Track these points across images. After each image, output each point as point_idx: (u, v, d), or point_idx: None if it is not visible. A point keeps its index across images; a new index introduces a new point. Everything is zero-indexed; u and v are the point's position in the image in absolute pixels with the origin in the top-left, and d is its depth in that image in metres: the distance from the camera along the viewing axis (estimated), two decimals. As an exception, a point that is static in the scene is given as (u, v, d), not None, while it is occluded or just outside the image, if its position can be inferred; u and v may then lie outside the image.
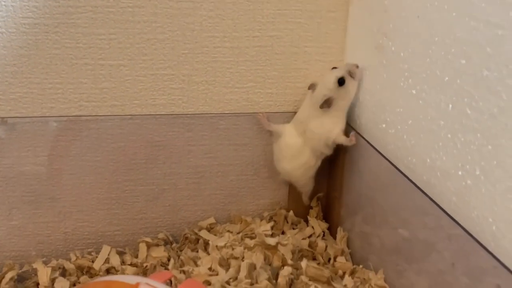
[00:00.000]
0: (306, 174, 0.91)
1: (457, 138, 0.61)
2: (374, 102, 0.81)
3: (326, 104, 0.83)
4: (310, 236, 0.92)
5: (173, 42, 0.85)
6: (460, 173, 0.61)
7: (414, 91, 0.69)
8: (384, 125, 0.78)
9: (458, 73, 0.60)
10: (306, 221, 0.97)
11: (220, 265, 0.80)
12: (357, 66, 0.84)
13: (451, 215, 0.62)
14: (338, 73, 0.83)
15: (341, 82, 0.82)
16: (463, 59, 0.59)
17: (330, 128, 0.85)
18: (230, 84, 0.89)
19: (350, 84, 0.84)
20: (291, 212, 0.96)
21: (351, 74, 0.83)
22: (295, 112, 0.90)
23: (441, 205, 0.64)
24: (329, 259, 0.87)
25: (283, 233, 0.94)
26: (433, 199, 0.65)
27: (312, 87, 0.86)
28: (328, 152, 0.88)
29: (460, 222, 0.60)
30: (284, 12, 0.86)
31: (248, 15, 0.85)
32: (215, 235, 0.92)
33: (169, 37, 0.84)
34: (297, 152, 0.89)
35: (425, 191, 0.67)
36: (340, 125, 0.85)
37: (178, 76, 0.87)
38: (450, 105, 0.62)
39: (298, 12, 0.87)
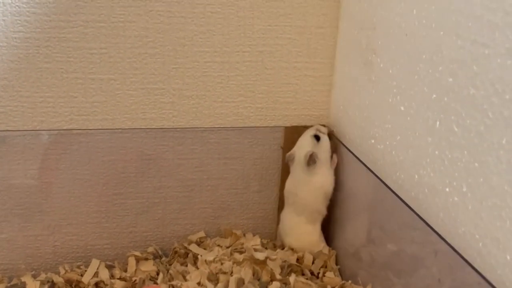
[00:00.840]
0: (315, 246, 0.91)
1: (444, 155, 0.61)
2: (363, 117, 0.81)
3: (312, 160, 0.86)
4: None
5: (164, 56, 0.85)
6: (447, 189, 0.61)
7: (402, 108, 0.70)
8: (373, 141, 0.78)
9: (446, 91, 0.61)
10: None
11: (209, 279, 0.80)
12: (324, 126, 0.90)
13: (438, 231, 0.62)
14: (311, 132, 0.88)
15: (317, 138, 0.87)
16: (450, 77, 0.60)
17: (322, 183, 0.88)
18: (220, 98, 0.89)
19: (323, 139, 0.88)
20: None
21: (320, 131, 0.88)
22: (285, 127, 0.91)
23: (428, 221, 0.64)
24: (318, 274, 0.87)
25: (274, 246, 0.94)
26: (421, 215, 0.66)
27: (290, 157, 0.89)
28: (325, 210, 0.90)
29: (446, 238, 0.61)
30: (274, 28, 0.87)
31: (238, 31, 0.86)
32: (204, 249, 0.92)
33: (160, 52, 0.85)
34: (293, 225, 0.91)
35: (412, 207, 0.67)
36: (330, 177, 0.88)
37: (169, 90, 0.87)
38: (438, 122, 0.62)
39: (288, 28, 0.88)
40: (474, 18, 0.55)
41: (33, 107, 0.83)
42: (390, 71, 0.73)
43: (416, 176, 0.67)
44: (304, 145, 0.88)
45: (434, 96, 0.63)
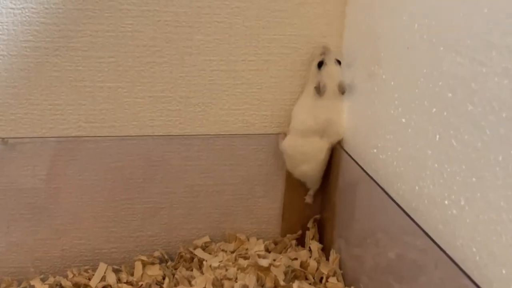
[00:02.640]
0: (321, 169, 0.94)
1: (443, 168, 0.63)
2: (366, 127, 0.83)
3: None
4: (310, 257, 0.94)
5: (171, 65, 0.87)
6: (446, 202, 0.62)
7: (403, 120, 0.71)
8: (375, 150, 0.80)
9: (445, 106, 0.62)
10: (298, 240, 0.99)
11: (214, 286, 0.82)
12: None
13: (438, 242, 0.63)
14: (315, 61, 0.89)
15: (320, 65, 0.88)
16: (449, 92, 0.61)
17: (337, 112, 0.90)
18: (226, 106, 0.91)
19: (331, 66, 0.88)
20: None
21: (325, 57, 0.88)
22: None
23: (428, 232, 0.65)
24: (321, 279, 0.89)
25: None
26: (421, 225, 0.67)
27: (320, 90, 0.88)
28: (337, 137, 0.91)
29: (445, 250, 0.62)
30: (279, 37, 0.88)
31: (244, 40, 0.87)
32: (209, 253, 0.94)
33: (167, 61, 0.86)
34: (317, 151, 0.92)
35: (413, 217, 0.69)
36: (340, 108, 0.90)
37: (176, 98, 0.89)
38: (437, 136, 0.64)
39: (293, 37, 0.89)
40: (473, 36, 0.56)
41: (42, 114, 0.85)
42: (392, 83, 0.74)
43: (417, 188, 0.69)
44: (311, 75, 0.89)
45: (434, 110, 0.64)
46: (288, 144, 0.92)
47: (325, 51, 0.89)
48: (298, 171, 0.94)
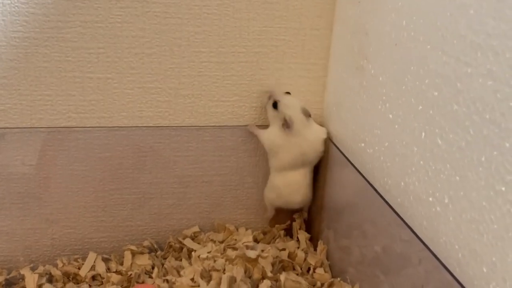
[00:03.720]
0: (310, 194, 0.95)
1: (428, 166, 0.63)
2: (354, 121, 0.83)
3: (286, 126, 0.88)
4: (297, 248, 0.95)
5: (160, 56, 0.87)
6: (430, 199, 0.63)
7: (390, 116, 0.72)
8: (363, 144, 0.80)
9: (431, 104, 0.62)
10: (286, 230, 1.00)
11: (202, 277, 0.83)
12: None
13: (422, 238, 0.64)
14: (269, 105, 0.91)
15: (275, 105, 0.90)
16: (435, 91, 0.61)
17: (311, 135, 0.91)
18: (215, 97, 0.91)
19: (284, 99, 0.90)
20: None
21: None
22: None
23: (413, 227, 0.66)
24: (308, 270, 0.90)
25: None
26: (406, 221, 0.68)
27: (288, 125, 0.89)
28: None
29: (429, 246, 0.63)
30: (269, 29, 0.89)
31: (234, 32, 0.87)
32: (198, 243, 0.94)
33: (157, 52, 0.86)
34: (308, 181, 0.93)
35: (398, 212, 0.69)
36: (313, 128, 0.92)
37: (165, 89, 0.89)
38: (423, 133, 0.64)
39: (283, 29, 0.89)
40: (459, 36, 0.57)
41: (31, 105, 0.85)
42: (380, 78, 0.74)
43: (402, 183, 0.69)
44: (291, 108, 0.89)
45: (420, 107, 0.65)
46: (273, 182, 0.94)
47: (271, 93, 0.90)
48: (293, 202, 0.95)
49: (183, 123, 0.91)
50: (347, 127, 0.86)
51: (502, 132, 0.51)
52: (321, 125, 0.93)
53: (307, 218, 0.99)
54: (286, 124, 0.87)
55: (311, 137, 0.90)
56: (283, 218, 0.99)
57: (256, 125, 0.93)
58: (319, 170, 0.94)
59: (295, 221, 0.99)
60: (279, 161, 0.91)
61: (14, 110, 0.85)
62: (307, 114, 0.89)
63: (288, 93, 0.91)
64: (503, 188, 0.51)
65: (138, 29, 0.84)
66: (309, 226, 0.99)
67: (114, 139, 0.89)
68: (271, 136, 0.91)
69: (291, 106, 0.88)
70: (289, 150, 0.89)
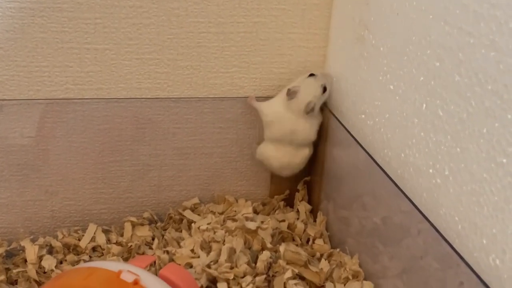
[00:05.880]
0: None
1: (429, 138, 0.63)
2: (354, 92, 0.82)
3: (312, 110, 0.87)
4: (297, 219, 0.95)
5: (158, 27, 0.85)
6: (430, 171, 0.63)
7: (391, 87, 0.71)
8: (363, 116, 0.80)
9: (432, 75, 0.62)
10: (285, 200, 1.00)
11: (202, 248, 0.83)
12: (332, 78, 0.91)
13: (421, 209, 0.64)
14: (321, 81, 0.88)
15: (324, 89, 0.88)
16: (437, 62, 0.61)
17: (314, 130, 0.91)
18: (214, 69, 0.90)
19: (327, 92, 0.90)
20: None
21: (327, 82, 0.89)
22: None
23: (412, 199, 0.66)
24: (308, 241, 0.90)
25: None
26: (405, 192, 0.68)
27: (292, 94, 0.87)
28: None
29: (428, 217, 0.63)
30: (269, -2, 0.87)
31: (233, 1, 0.86)
32: (198, 215, 0.95)
33: (155, 22, 0.85)
34: (298, 160, 0.93)
35: (398, 184, 0.69)
36: (316, 126, 0.92)
37: (163, 60, 0.88)
38: (424, 105, 0.64)
39: (283, -2, 0.88)
40: (461, 6, 0.56)
41: (29, 76, 0.84)
42: (381, 49, 0.74)
43: (403, 155, 0.69)
44: (311, 93, 0.87)
45: (422, 78, 0.64)
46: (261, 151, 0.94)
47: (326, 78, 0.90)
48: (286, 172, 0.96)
49: (182, 94, 0.90)
50: (347, 99, 0.85)
51: (504, 104, 0.50)
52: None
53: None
54: (289, 93, 0.87)
55: (307, 123, 0.90)
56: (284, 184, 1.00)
57: (256, 97, 0.92)
58: (319, 141, 0.93)
59: (298, 191, 0.99)
60: (270, 133, 0.91)
61: (12, 81, 0.84)
62: (307, 110, 0.87)
63: (325, 88, 0.89)
64: (504, 160, 0.51)
65: (136, -2, 0.83)
66: (309, 197, 0.99)
67: (112, 111, 0.89)
68: (272, 105, 0.90)
69: (309, 88, 0.88)
70: (282, 124, 0.89)
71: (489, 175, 0.53)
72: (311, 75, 0.89)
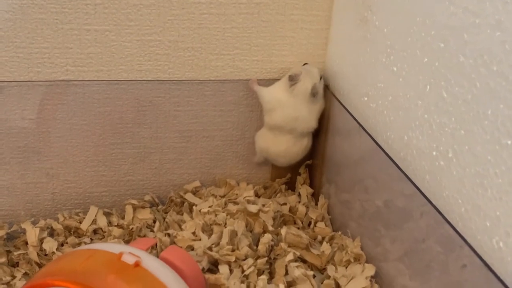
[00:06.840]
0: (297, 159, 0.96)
1: (432, 120, 0.62)
2: (356, 74, 0.82)
3: (317, 93, 0.88)
4: (298, 202, 0.95)
5: (159, 8, 0.84)
6: (434, 153, 0.62)
7: (395, 68, 0.70)
8: (365, 98, 0.79)
9: (437, 56, 0.61)
10: (287, 184, 0.99)
11: (203, 230, 0.83)
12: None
13: (424, 192, 0.64)
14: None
15: (321, 77, 0.91)
16: (441, 43, 0.60)
17: (315, 117, 0.91)
18: (216, 50, 0.89)
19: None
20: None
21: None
22: (279, 79, 0.91)
23: (415, 181, 0.66)
24: (309, 224, 0.90)
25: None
26: (408, 175, 0.67)
27: (295, 78, 0.87)
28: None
29: (431, 200, 0.62)
30: (271, -21, 0.86)
31: (235, -18, 0.85)
32: (200, 198, 0.94)
33: (155, 3, 0.84)
34: (297, 149, 0.93)
35: (401, 167, 0.69)
36: (318, 113, 0.92)
37: (164, 42, 0.87)
38: (428, 86, 0.63)
39: (285, -21, 0.87)
40: (467, -15, 0.55)
41: (28, 58, 0.84)
42: (385, 30, 0.73)
43: (406, 138, 0.68)
44: (314, 78, 0.88)
45: (426, 60, 0.63)
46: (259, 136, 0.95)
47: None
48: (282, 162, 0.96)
49: (183, 77, 0.90)
50: (349, 81, 0.84)
51: (509, 85, 0.50)
52: (324, 80, 0.92)
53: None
54: (291, 78, 0.86)
55: (309, 108, 0.89)
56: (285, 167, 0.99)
57: (258, 79, 0.92)
58: (321, 124, 0.92)
59: (299, 175, 0.99)
60: (271, 120, 0.90)
61: (11, 63, 0.83)
62: (313, 93, 0.88)
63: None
64: (509, 142, 0.50)
65: (136, -21, 0.82)
66: (311, 180, 0.99)
67: (113, 93, 0.88)
68: (273, 92, 0.89)
69: (311, 73, 0.88)
70: (285, 111, 0.88)
71: (493, 157, 0.52)
72: (305, 64, 0.90)
